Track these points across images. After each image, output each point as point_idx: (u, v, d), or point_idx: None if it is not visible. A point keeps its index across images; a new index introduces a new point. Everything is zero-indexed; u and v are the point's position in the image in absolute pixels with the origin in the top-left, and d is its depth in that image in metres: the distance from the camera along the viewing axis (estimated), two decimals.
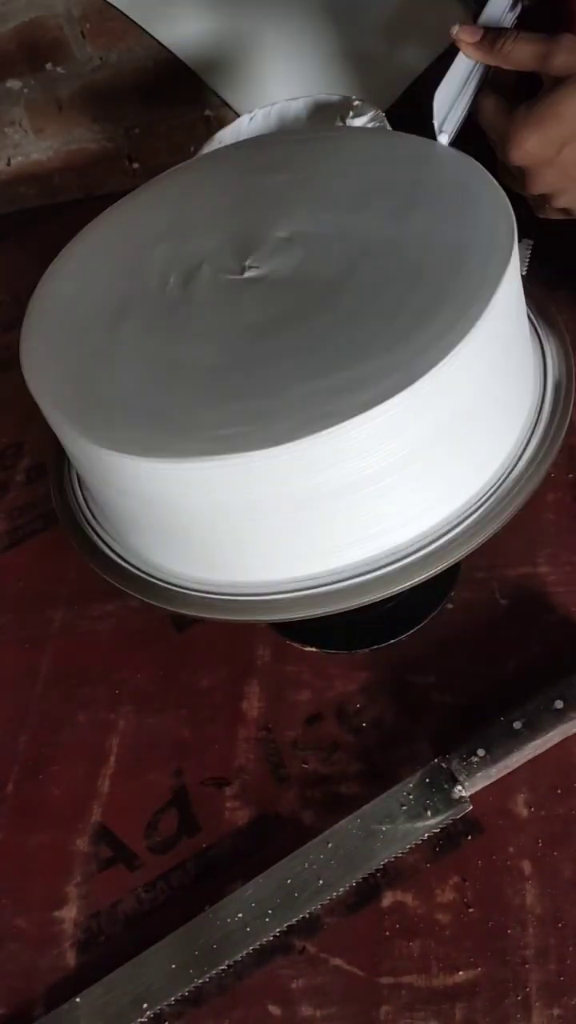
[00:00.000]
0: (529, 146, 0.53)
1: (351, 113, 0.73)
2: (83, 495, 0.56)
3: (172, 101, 0.98)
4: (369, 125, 0.71)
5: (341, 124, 0.70)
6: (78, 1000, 0.47)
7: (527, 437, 0.50)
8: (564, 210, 0.58)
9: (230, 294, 0.49)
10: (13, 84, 0.98)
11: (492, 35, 0.54)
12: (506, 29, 0.55)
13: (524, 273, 0.54)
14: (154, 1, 0.91)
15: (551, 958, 0.45)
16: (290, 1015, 0.46)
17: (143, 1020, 0.47)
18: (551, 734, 0.50)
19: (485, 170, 0.51)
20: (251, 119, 0.76)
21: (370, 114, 0.71)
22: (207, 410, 0.44)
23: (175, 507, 0.46)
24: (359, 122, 0.71)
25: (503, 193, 0.49)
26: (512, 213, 0.47)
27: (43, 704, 0.61)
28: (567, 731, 0.50)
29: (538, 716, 0.50)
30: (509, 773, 0.50)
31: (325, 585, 0.47)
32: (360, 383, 0.42)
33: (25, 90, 0.99)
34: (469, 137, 0.55)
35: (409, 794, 0.50)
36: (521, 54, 0.53)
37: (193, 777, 0.55)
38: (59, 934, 0.51)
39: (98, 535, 0.54)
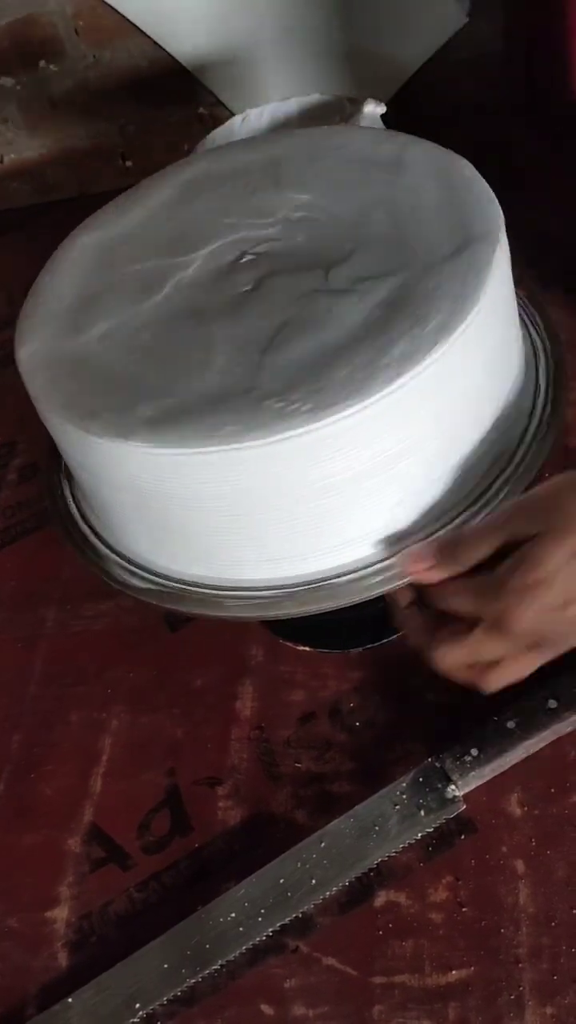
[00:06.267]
0: (528, 617, 0.43)
1: (344, 113, 0.73)
2: (75, 494, 0.56)
3: (166, 99, 0.98)
4: (363, 124, 0.71)
5: (336, 123, 0.70)
6: (70, 1000, 0.47)
7: (521, 436, 0.50)
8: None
9: (226, 290, 0.49)
10: (6, 81, 0.98)
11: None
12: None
13: None
14: None
15: (544, 957, 0.45)
16: (283, 1015, 0.46)
17: (135, 1020, 0.46)
18: (544, 733, 0.50)
19: (471, 165, 0.51)
20: (243, 120, 0.76)
21: (363, 113, 0.71)
22: (203, 403, 0.44)
23: (168, 501, 0.46)
24: (353, 121, 0.71)
25: (488, 188, 0.49)
26: (499, 206, 0.48)
27: (36, 704, 0.61)
28: (560, 730, 0.50)
29: (531, 715, 0.50)
30: (502, 772, 0.50)
31: (318, 583, 0.47)
32: (352, 380, 0.42)
33: (18, 87, 0.98)
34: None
35: (402, 793, 0.50)
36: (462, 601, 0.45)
37: (186, 777, 0.55)
38: (51, 934, 0.51)
39: (90, 534, 0.54)
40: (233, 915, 0.48)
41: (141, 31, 0.93)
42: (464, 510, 0.47)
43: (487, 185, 0.49)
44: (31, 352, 0.50)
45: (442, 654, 0.46)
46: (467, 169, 0.50)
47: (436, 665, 0.46)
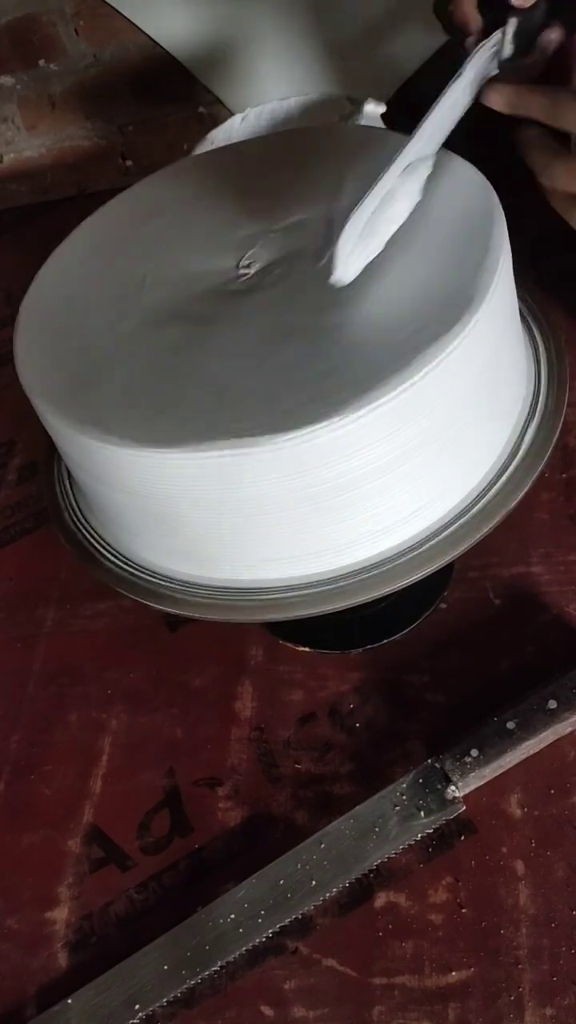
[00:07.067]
0: None
1: (344, 112, 0.73)
2: (74, 494, 0.56)
3: (166, 98, 0.98)
4: (363, 123, 0.71)
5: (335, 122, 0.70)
6: (70, 1001, 0.47)
7: (520, 436, 0.50)
8: None
9: (226, 293, 0.49)
10: (5, 80, 0.98)
11: (542, 93, 0.49)
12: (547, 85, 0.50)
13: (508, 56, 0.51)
14: None
15: (544, 958, 0.45)
16: (283, 1016, 0.46)
17: (135, 1021, 0.46)
18: (544, 734, 0.50)
19: (475, 168, 0.50)
20: (243, 119, 0.76)
21: (363, 112, 0.71)
22: (202, 405, 0.44)
23: (168, 503, 0.46)
24: (353, 121, 0.71)
25: (491, 187, 0.49)
26: (502, 213, 0.47)
27: (35, 704, 0.61)
28: (560, 731, 0.50)
29: (531, 716, 0.50)
30: (502, 773, 0.50)
31: (318, 585, 0.47)
32: (354, 381, 0.42)
33: (18, 87, 0.98)
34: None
35: (402, 794, 0.50)
36: None
37: (185, 777, 0.55)
38: (51, 935, 0.51)
39: (90, 533, 0.54)
40: (233, 916, 0.48)
41: (141, 30, 0.93)
42: (465, 511, 0.47)
43: (489, 184, 0.49)
44: (30, 353, 0.50)
45: (558, 175, 0.48)
46: (468, 168, 0.50)
47: (547, 179, 0.49)
